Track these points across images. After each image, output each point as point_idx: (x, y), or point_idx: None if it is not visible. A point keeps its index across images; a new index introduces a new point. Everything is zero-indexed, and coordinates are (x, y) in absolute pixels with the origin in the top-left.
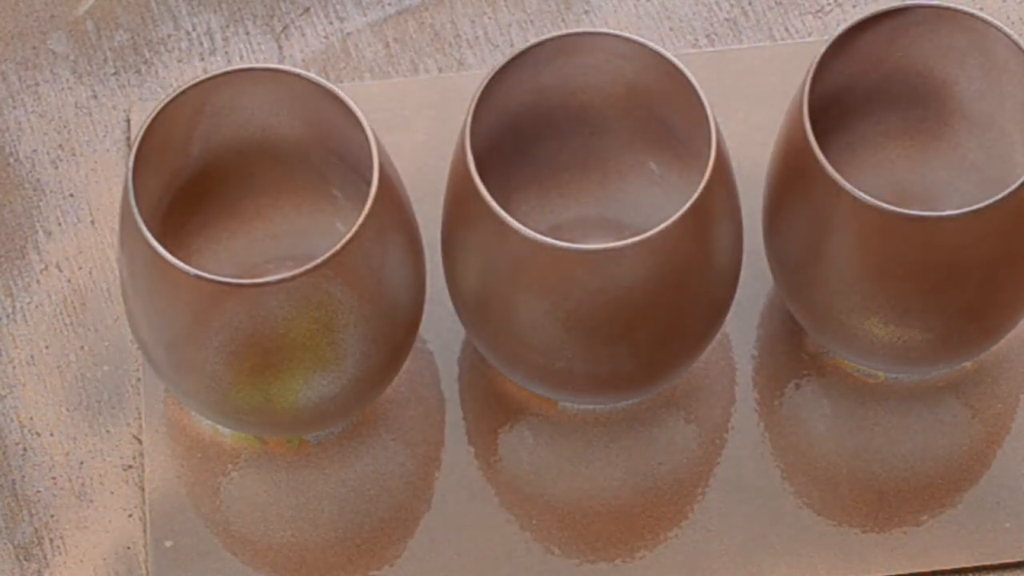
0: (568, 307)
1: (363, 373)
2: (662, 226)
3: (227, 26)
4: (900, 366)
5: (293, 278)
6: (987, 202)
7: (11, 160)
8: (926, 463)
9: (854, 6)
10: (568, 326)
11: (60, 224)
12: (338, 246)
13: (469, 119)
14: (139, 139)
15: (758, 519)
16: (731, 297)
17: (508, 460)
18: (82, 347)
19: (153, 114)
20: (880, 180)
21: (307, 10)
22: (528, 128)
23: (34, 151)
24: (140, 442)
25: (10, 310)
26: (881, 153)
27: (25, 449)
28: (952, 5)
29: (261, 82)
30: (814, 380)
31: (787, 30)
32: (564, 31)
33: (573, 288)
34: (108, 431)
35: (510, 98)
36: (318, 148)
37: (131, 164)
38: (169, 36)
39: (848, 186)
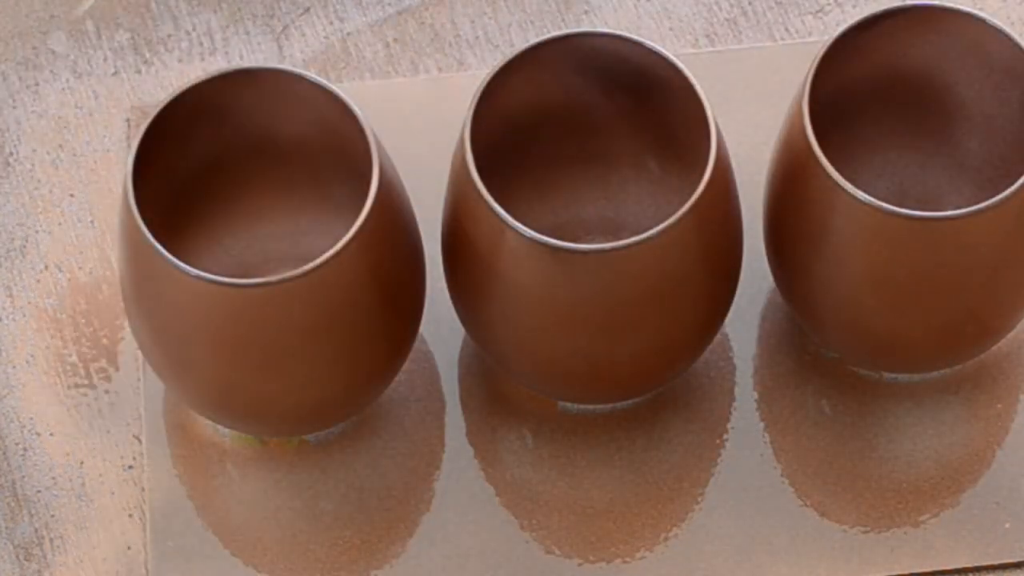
0: (568, 307)
1: (363, 373)
2: (662, 226)
3: (227, 26)
4: (900, 366)
5: (293, 278)
6: (987, 203)
7: (11, 160)
8: (926, 463)
9: (854, 6)
10: (568, 326)
11: (60, 224)
12: (338, 246)
13: (469, 119)
14: (139, 139)
15: (758, 519)
16: (731, 297)
17: (508, 460)
18: (82, 347)
19: (153, 114)
20: (880, 180)
21: (307, 10)
22: (528, 128)
23: (34, 151)
24: (140, 442)
25: (10, 310)
26: (881, 153)
27: (25, 449)
28: (952, 5)
29: (261, 82)
30: (814, 380)
31: (787, 30)
32: (564, 31)
33: (573, 288)
34: (108, 431)
35: (510, 98)
36: (318, 148)
37: (131, 164)
38: (169, 36)
39: (848, 186)
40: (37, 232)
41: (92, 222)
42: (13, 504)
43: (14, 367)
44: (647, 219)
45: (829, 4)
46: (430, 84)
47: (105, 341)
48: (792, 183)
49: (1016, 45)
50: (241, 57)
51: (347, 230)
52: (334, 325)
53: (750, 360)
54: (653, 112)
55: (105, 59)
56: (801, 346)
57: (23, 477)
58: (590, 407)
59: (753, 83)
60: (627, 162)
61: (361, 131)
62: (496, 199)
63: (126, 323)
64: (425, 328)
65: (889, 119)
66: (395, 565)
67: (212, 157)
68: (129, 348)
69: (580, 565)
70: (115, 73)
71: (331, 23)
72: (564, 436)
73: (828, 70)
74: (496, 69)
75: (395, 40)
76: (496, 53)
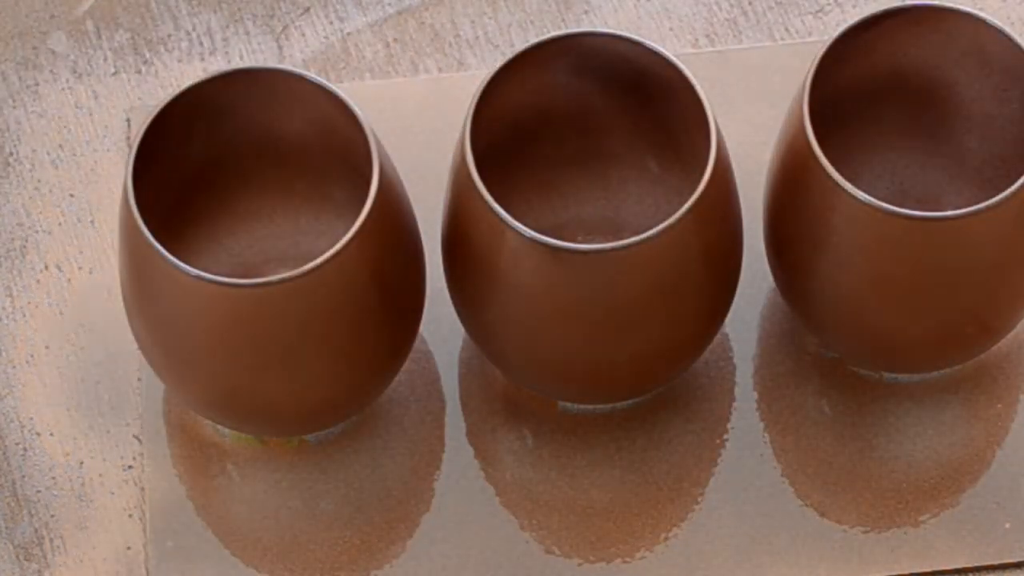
0: (568, 307)
1: (363, 373)
2: (662, 226)
3: (227, 26)
4: (900, 366)
5: (293, 278)
6: (987, 203)
7: (11, 160)
8: (926, 463)
9: (854, 6)
10: (568, 326)
11: (60, 224)
12: (338, 246)
13: (469, 119)
14: (139, 139)
15: (758, 519)
16: (731, 297)
17: (508, 460)
18: (82, 347)
19: (153, 114)
20: (880, 180)
21: (307, 10)
22: (528, 128)
23: (34, 151)
24: (140, 442)
25: (10, 310)
26: (881, 153)
27: (25, 449)
28: (952, 5)
29: (261, 82)
30: (814, 380)
31: (787, 30)
32: (564, 31)
33: (573, 288)
34: (108, 431)
35: (510, 98)
36: (318, 148)
37: (131, 164)
38: (169, 36)
39: (848, 186)
40: (37, 232)
41: (92, 222)
42: (13, 504)
43: (14, 367)
44: (647, 219)
45: (829, 4)
46: (430, 84)
47: (105, 341)
48: (792, 183)
49: (1016, 45)
50: (241, 57)
51: (347, 230)
52: (334, 325)
53: (750, 360)
54: (653, 112)
55: (105, 59)
56: (801, 346)
57: (23, 477)
58: (590, 407)
59: (753, 83)
60: (627, 162)
61: (361, 131)
62: (496, 199)
63: (126, 323)
64: (425, 328)
65: (889, 119)
66: (395, 565)
67: (212, 157)
68: (129, 348)
69: (580, 565)
70: (115, 73)
71: (331, 23)
72: (564, 436)
73: (828, 70)
74: (496, 69)
75: (395, 40)
76: (496, 53)
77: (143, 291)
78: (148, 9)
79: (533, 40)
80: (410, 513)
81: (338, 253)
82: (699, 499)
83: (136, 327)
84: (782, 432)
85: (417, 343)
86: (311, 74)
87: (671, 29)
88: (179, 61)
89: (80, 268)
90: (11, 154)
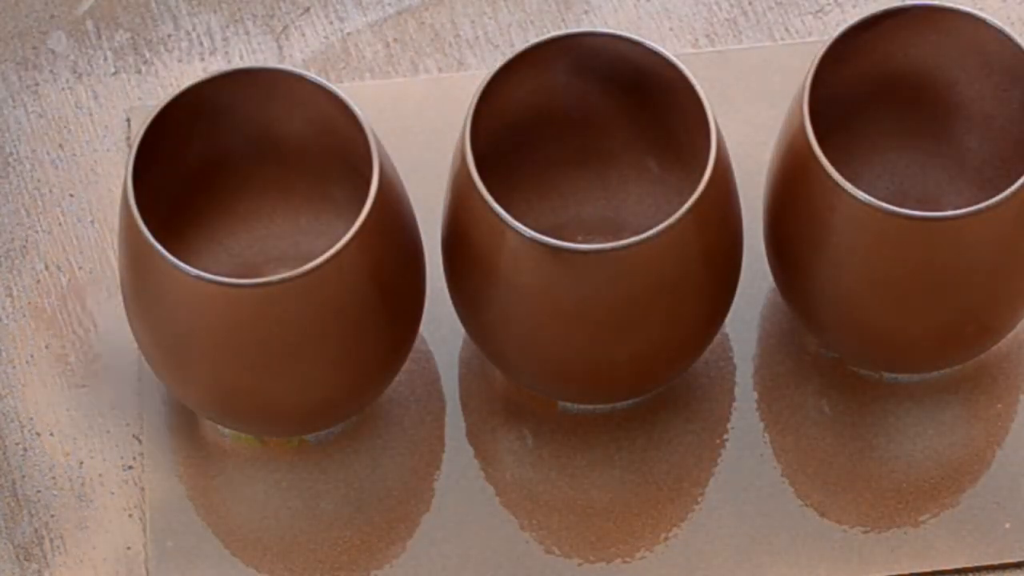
0: (568, 307)
1: (363, 373)
2: (662, 226)
3: (227, 26)
4: (900, 366)
5: (293, 278)
6: (987, 203)
7: (11, 160)
8: (926, 463)
9: (854, 6)
10: (568, 326)
11: (60, 224)
12: (338, 246)
13: (469, 119)
14: (139, 139)
15: (758, 519)
16: (731, 297)
17: (508, 460)
18: (82, 347)
19: (153, 114)
20: (880, 180)
21: (307, 10)
22: (528, 128)
23: (34, 151)
24: (140, 442)
25: (10, 310)
26: (881, 153)
27: (25, 449)
28: (952, 5)
29: (261, 82)
30: (814, 380)
31: (787, 30)
32: (564, 31)
33: (573, 288)
34: (108, 431)
35: (510, 98)
36: (318, 148)
37: (131, 164)
38: (169, 36)
39: (848, 186)
40: (37, 232)
41: (92, 222)
42: (13, 504)
43: (14, 367)
44: (647, 219)
45: (829, 4)
46: (430, 84)
47: (105, 341)
48: (792, 183)
49: (1016, 45)
50: (241, 57)
51: (347, 230)
52: (334, 325)
53: (750, 360)
54: (653, 112)
55: (105, 59)
56: (801, 346)
57: (23, 477)
58: (590, 407)
59: (753, 83)
60: (627, 162)
61: (361, 131)
62: (496, 199)
63: (126, 323)
64: (425, 328)
65: (889, 119)
66: (395, 565)
67: (212, 157)
68: (129, 348)
69: (580, 565)
70: (115, 73)
71: (331, 23)
72: (564, 436)
73: (828, 70)
74: (496, 69)
75: (395, 40)
76: (496, 53)
77: (143, 291)
78: (148, 9)
79: (533, 40)
80: (410, 513)
81: (338, 253)
82: (699, 499)
83: (136, 327)
84: (782, 432)
85: (417, 343)
86: (311, 74)
87: (671, 29)
88: (179, 61)
89: (80, 268)
90: (11, 154)
